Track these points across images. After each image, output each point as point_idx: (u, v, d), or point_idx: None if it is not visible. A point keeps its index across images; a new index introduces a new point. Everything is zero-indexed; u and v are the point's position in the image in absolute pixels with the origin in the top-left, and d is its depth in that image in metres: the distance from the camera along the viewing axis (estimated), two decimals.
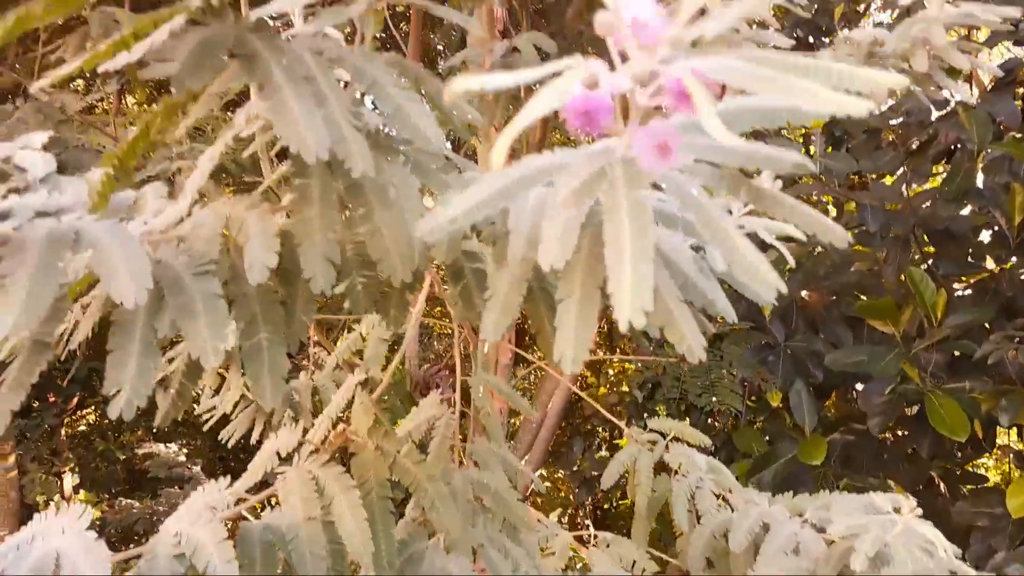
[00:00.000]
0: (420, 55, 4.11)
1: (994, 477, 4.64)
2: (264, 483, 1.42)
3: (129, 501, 4.59)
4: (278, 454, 1.36)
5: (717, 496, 1.85)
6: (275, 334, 1.04)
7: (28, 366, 0.90)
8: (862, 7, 4.78)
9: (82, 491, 5.00)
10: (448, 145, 1.36)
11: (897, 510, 1.62)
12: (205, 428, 1.99)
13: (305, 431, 1.56)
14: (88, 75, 3.18)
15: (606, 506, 4.90)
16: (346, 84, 1.12)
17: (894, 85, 0.66)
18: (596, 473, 4.25)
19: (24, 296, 0.82)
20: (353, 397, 1.53)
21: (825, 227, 0.83)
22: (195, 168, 1.84)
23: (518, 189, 0.87)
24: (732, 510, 1.83)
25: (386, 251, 1.05)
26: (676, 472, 1.90)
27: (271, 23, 1.30)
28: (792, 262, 1.20)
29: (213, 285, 0.95)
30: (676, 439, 1.99)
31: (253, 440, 2.04)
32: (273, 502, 1.39)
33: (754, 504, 1.78)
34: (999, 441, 3.66)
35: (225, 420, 2.06)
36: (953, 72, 1.84)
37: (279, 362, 1.01)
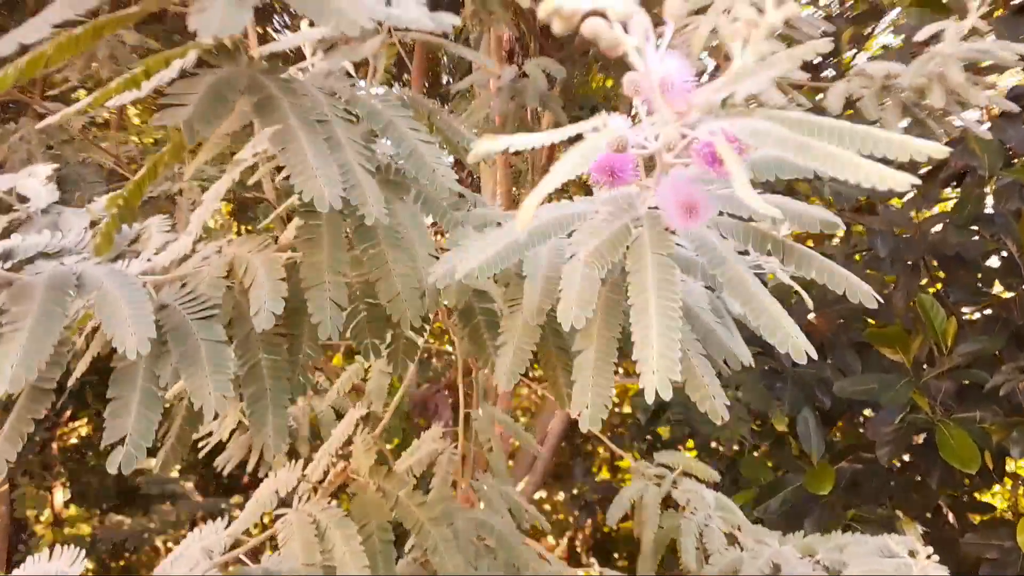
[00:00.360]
0: (425, 70, 4.10)
1: (1000, 504, 4.59)
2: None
3: (120, 517, 4.54)
4: (277, 493, 1.33)
5: (726, 534, 1.81)
6: (278, 380, 1.01)
7: (26, 414, 0.87)
8: (867, 30, 4.77)
9: (72, 506, 4.95)
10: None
11: (912, 553, 1.58)
12: (201, 455, 1.95)
13: (306, 462, 1.53)
14: (89, 89, 3.16)
15: (606, 529, 4.85)
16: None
17: (935, 153, 0.63)
18: (596, 496, 4.20)
19: (25, 344, 0.79)
20: (354, 432, 1.50)
21: (854, 286, 0.80)
22: (194, 188, 1.80)
23: (535, 242, 0.84)
24: (741, 549, 1.79)
25: (396, 294, 1.02)
26: (684, 508, 1.86)
27: (285, 56, 1.27)
28: (810, 303, 1.17)
29: (217, 331, 0.92)
30: (684, 473, 1.95)
31: (249, 468, 2.01)
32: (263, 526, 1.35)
33: (764, 544, 1.74)
34: (1007, 469, 3.61)
35: (221, 446, 2.03)
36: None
37: (282, 409, 0.98)
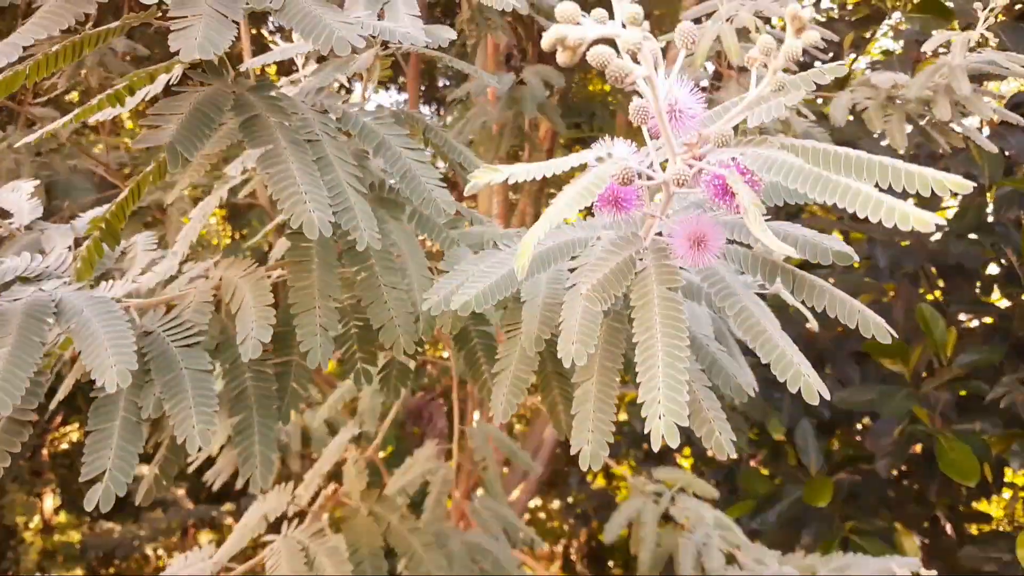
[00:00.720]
0: (421, 73, 4.06)
1: (997, 512, 4.57)
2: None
3: (111, 525, 4.48)
4: (266, 518, 1.29)
5: (725, 554, 1.78)
6: (266, 408, 0.97)
7: (2, 448, 0.83)
8: (868, 34, 4.75)
9: (62, 513, 4.89)
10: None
11: None
12: (190, 470, 1.91)
13: (297, 481, 1.49)
14: (81, 93, 3.11)
15: (601, 537, 4.81)
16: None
17: (956, 188, 0.59)
18: (592, 505, 4.17)
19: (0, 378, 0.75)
20: (345, 453, 1.46)
21: (867, 319, 0.77)
22: (184, 197, 1.75)
23: (534, 270, 0.80)
24: (740, 568, 1.76)
25: (389, 319, 0.98)
26: (682, 527, 1.83)
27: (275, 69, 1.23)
28: (815, 326, 1.13)
29: (202, 360, 0.88)
30: (682, 490, 1.92)
31: (239, 485, 1.97)
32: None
33: (764, 565, 1.71)
34: (1005, 479, 3.59)
35: (210, 460, 1.99)
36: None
37: (270, 440, 0.94)
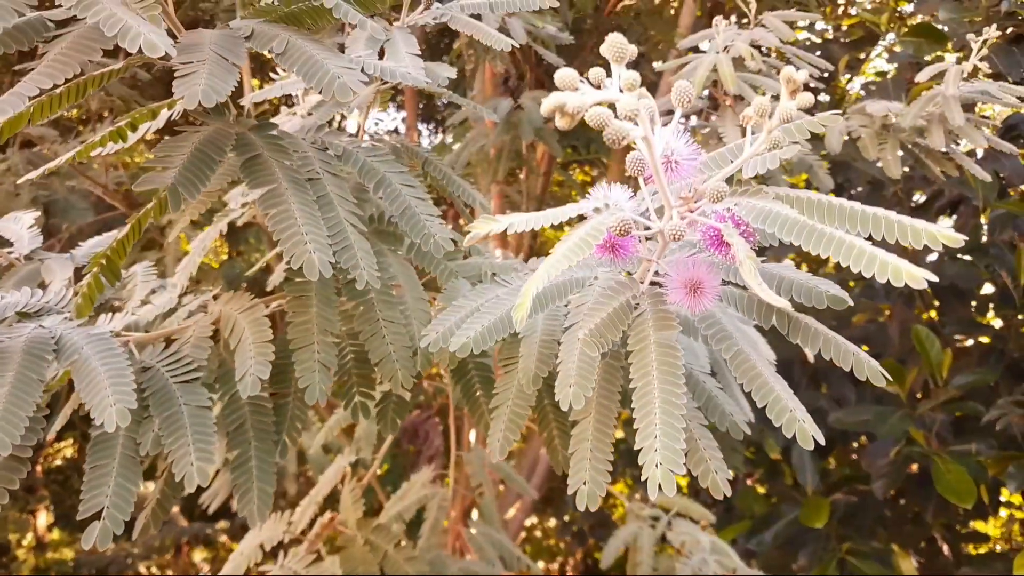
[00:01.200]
0: (418, 92, 4.08)
1: (993, 531, 4.57)
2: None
3: None
4: (262, 547, 1.29)
5: None
6: (264, 441, 0.97)
7: (1, 485, 0.83)
8: (862, 55, 4.79)
9: (56, 530, 4.85)
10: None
11: None
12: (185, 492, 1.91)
13: (292, 504, 1.49)
14: (81, 113, 3.13)
15: (597, 556, 4.80)
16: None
17: (950, 242, 0.61)
18: (588, 524, 4.15)
19: None
20: (342, 480, 1.46)
21: (862, 362, 0.77)
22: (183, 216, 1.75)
23: (533, 311, 0.81)
24: None
25: (387, 354, 0.98)
26: (679, 552, 1.83)
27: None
28: (812, 356, 1.14)
29: (201, 396, 0.89)
30: (679, 515, 1.92)
31: (234, 508, 1.97)
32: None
33: None
34: (1001, 499, 3.59)
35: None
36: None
37: (268, 475, 0.95)
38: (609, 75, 0.57)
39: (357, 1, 0.86)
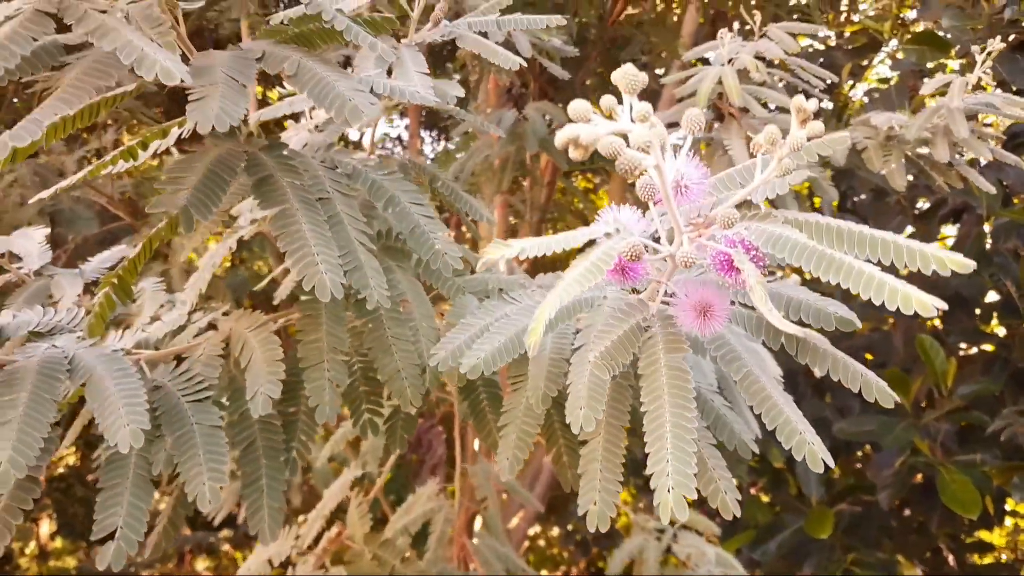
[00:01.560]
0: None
1: (999, 542, 4.56)
2: None
3: None
4: (270, 563, 1.29)
5: None
6: (274, 460, 0.98)
7: (14, 505, 0.84)
8: (865, 62, 4.80)
9: (58, 538, 4.85)
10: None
11: None
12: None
13: (299, 514, 1.49)
14: (88, 127, 3.14)
15: (601, 565, 4.79)
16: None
17: (959, 267, 0.61)
18: (592, 534, 4.15)
19: (14, 440, 0.76)
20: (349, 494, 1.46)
21: (870, 383, 0.78)
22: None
23: (547, 331, 0.82)
24: None
25: (396, 372, 0.99)
26: (685, 564, 1.83)
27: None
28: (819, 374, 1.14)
29: (212, 415, 0.89)
30: (684, 527, 1.92)
31: (240, 519, 1.97)
32: None
33: None
34: (1007, 508, 3.58)
35: None
36: None
37: (279, 493, 0.95)
38: (620, 103, 0.58)
39: (367, 23, 0.87)
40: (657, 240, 0.69)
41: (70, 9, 0.66)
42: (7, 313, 0.96)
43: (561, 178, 3.33)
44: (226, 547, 4.60)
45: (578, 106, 0.52)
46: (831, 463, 0.70)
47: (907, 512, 3.27)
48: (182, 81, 0.79)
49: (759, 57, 1.76)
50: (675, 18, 3.53)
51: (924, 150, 1.77)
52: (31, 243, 1.24)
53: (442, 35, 1.11)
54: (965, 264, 0.59)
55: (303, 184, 0.90)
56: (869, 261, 0.62)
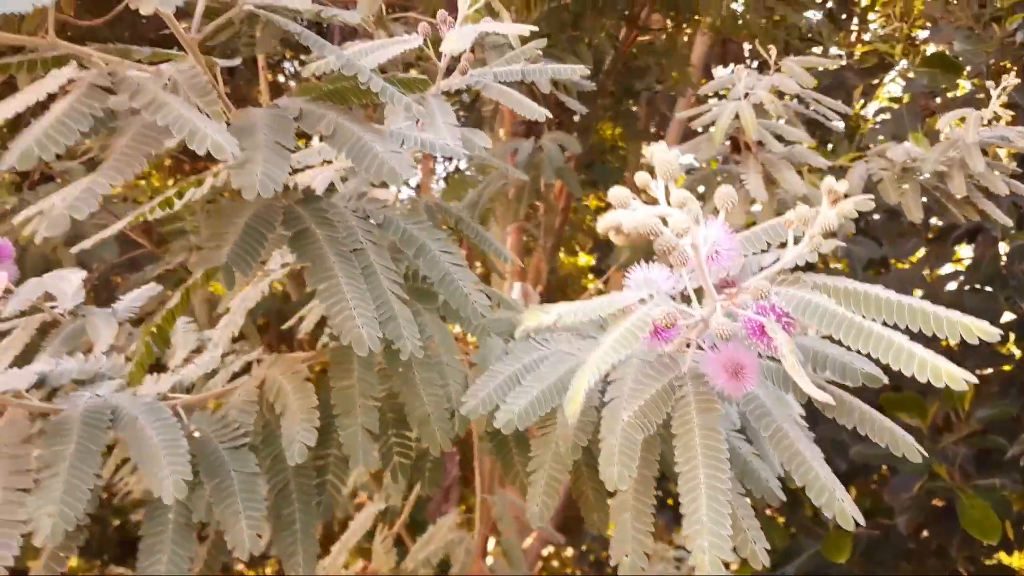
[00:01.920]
0: None
1: (1019, 565, 4.50)
2: None
3: (122, 570, 4.46)
4: None
5: None
6: (307, 504, 1.00)
7: (59, 553, 0.86)
8: (876, 81, 4.82)
9: (74, 557, 4.87)
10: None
11: None
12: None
13: (322, 543, 1.51)
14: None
15: None
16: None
17: (986, 336, 0.63)
18: (606, 554, 4.14)
19: (62, 494, 0.79)
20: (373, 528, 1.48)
21: (898, 439, 0.79)
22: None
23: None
24: None
25: (426, 416, 1.01)
26: None
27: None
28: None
29: (250, 462, 0.92)
30: None
31: (262, 548, 1.98)
32: None
33: None
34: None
35: None
36: None
37: (311, 537, 0.97)
38: (653, 178, 0.60)
39: (401, 83, 0.90)
40: (687, 300, 0.71)
41: (123, 83, 0.69)
42: (50, 360, 0.99)
43: (577, 204, 3.35)
44: (240, 567, 4.61)
45: (618, 193, 0.54)
46: (862, 521, 0.71)
47: (925, 535, 3.25)
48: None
49: (775, 92, 1.78)
50: (685, 38, 3.56)
51: (941, 185, 1.79)
52: (67, 284, 1.27)
53: (468, 84, 1.14)
54: (991, 333, 0.61)
55: (338, 236, 0.92)
56: (897, 327, 0.64)
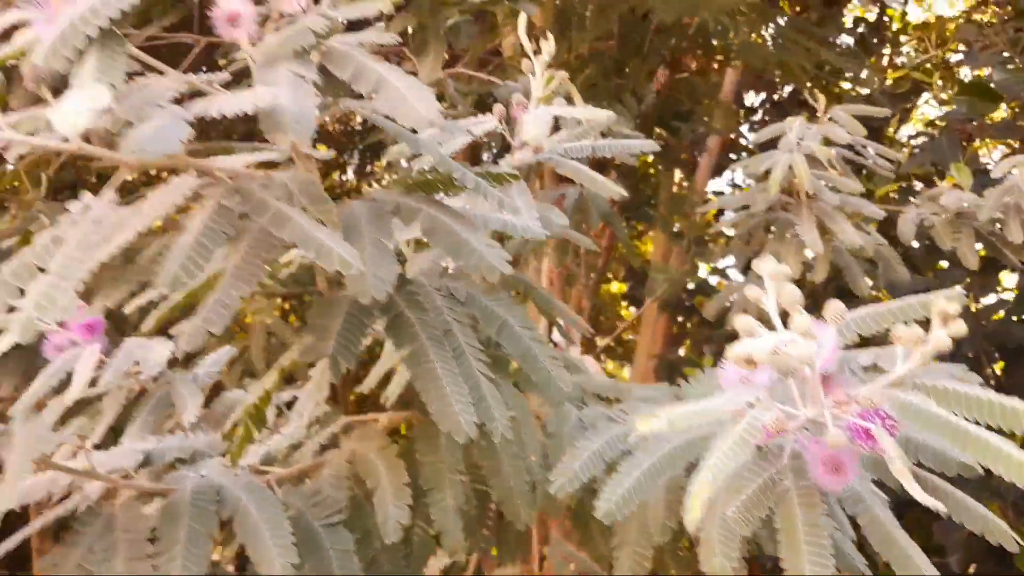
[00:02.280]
0: (466, 152, 4.19)
1: None
2: None
3: None
4: None
5: None
6: None
7: None
8: (909, 105, 4.80)
9: None
10: None
11: None
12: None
13: None
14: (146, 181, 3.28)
15: None
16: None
17: None
18: None
19: None
20: None
21: (992, 528, 0.81)
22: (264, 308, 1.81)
23: (667, 470, 0.86)
24: None
25: (509, 491, 1.04)
26: None
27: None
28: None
29: (345, 539, 0.95)
30: None
31: None
32: None
33: None
34: None
35: None
36: None
37: None
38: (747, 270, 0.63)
39: (492, 177, 0.94)
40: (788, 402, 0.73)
41: (249, 202, 0.73)
42: (152, 439, 1.04)
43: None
44: None
45: (745, 322, 0.57)
46: None
47: (978, 574, 3.19)
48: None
49: (826, 141, 1.80)
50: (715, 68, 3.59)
51: (997, 230, 1.79)
52: (153, 354, 1.32)
53: (539, 159, 1.18)
54: None
55: (428, 319, 0.96)
56: (1002, 432, 0.65)
